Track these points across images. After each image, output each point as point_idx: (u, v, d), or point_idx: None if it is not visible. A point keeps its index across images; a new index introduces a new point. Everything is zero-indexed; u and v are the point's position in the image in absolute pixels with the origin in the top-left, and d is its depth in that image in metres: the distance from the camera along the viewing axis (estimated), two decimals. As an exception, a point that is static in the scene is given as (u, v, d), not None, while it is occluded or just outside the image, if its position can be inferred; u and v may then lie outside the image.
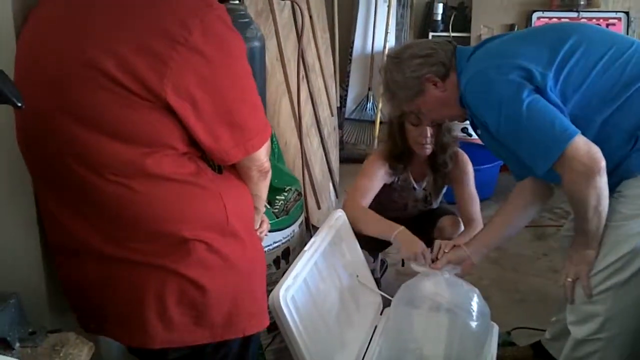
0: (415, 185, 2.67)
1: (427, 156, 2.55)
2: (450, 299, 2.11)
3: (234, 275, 1.37)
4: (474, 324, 2.09)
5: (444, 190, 2.80)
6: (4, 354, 1.14)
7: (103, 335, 1.41)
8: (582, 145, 1.67)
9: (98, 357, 1.71)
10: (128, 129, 1.21)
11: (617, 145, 1.78)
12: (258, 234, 1.59)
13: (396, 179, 2.62)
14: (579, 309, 1.91)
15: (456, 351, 2.08)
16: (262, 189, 1.48)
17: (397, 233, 2.30)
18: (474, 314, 2.10)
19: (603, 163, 1.67)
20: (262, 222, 1.61)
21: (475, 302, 2.12)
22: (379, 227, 2.37)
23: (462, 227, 2.64)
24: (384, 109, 4.76)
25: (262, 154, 1.37)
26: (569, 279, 1.91)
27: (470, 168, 2.66)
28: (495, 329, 2.25)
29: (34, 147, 1.29)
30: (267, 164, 1.42)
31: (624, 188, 1.81)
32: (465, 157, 2.65)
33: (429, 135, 2.42)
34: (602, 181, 1.70)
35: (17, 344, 1.17)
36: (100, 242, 1.28)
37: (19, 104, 1.03)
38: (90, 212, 1.27)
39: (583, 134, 1.70)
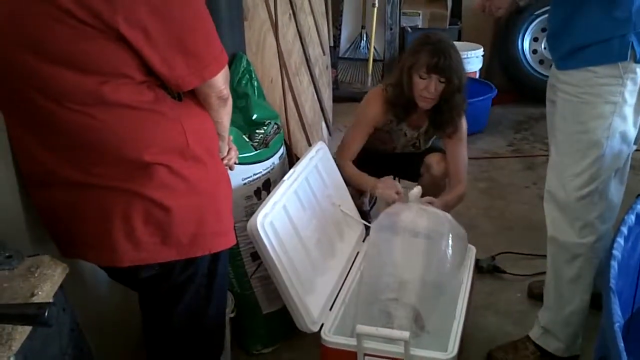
0: (407, 132, 2.69)
1: (430, 110, 2.55)
2: (427, 226, 2.18)
3: (197, 196, 1.43)
4: (449, 248, 2.16)
5: (433, 138, 2.80)
6: (-18, 276, 1.21)
7: (79, 259, 1.48)
8: None
9: (82, 282, 1.82)
10: (84, 59, 1.25)
11: None
12: (226, 161, 1.65)
13: (388, 121, 2.64)
14: None
15: (434, 273, 2.16)
16: (223, 116, 1.52)
17: (371, 189, 2.61)
18: (450, 238, 2.18)
19: None
20: (229, 149, 1.66)
21: (451, 227, 2.19)
22: (357, 180, 2.62)
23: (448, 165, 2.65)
24: (377, 46, 4.75)
25: (220, 81, 1.41)
26: None
27: (465, 127, 2.63)
28: (473, 251, 2.32)
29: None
30: (225, 91, 1.46)
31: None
32: (464, 120, 2.62)
33: (433, 89, 2.43)
34: None
35: (-6, 267, 1.25)
36: (68, 170, 1.34)
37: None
38: (56, 141, 1.33)
39: None
